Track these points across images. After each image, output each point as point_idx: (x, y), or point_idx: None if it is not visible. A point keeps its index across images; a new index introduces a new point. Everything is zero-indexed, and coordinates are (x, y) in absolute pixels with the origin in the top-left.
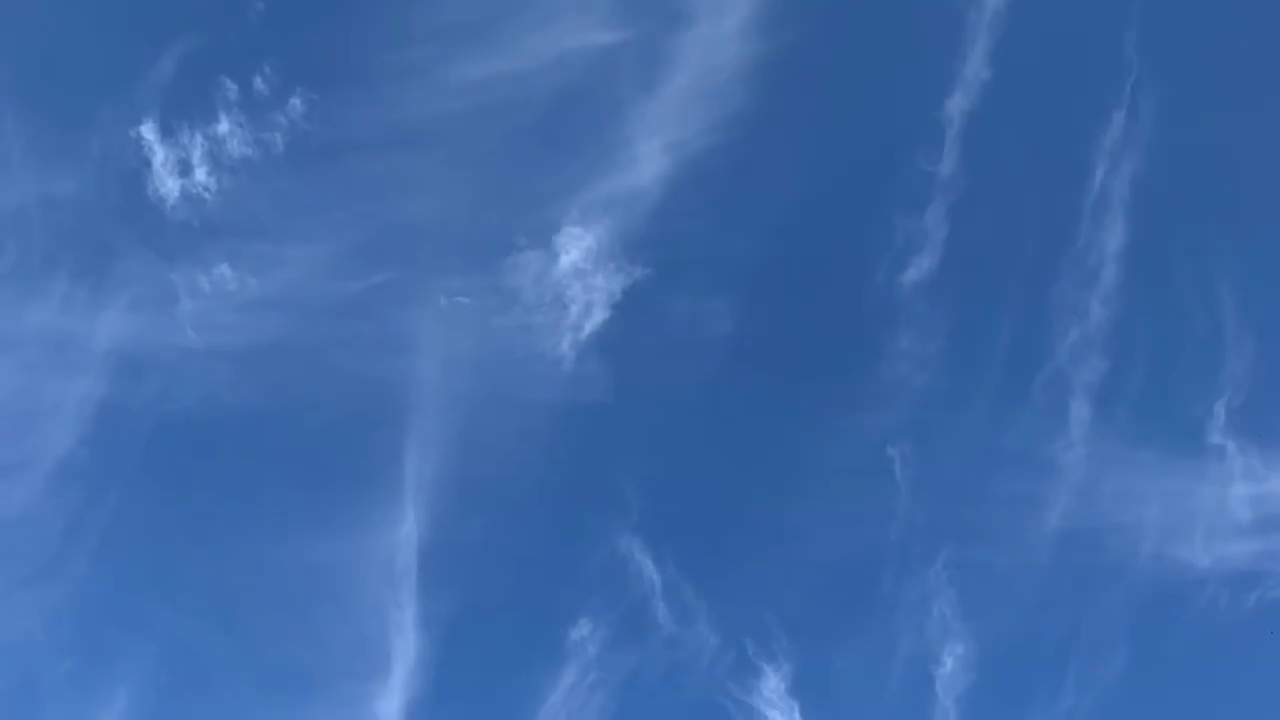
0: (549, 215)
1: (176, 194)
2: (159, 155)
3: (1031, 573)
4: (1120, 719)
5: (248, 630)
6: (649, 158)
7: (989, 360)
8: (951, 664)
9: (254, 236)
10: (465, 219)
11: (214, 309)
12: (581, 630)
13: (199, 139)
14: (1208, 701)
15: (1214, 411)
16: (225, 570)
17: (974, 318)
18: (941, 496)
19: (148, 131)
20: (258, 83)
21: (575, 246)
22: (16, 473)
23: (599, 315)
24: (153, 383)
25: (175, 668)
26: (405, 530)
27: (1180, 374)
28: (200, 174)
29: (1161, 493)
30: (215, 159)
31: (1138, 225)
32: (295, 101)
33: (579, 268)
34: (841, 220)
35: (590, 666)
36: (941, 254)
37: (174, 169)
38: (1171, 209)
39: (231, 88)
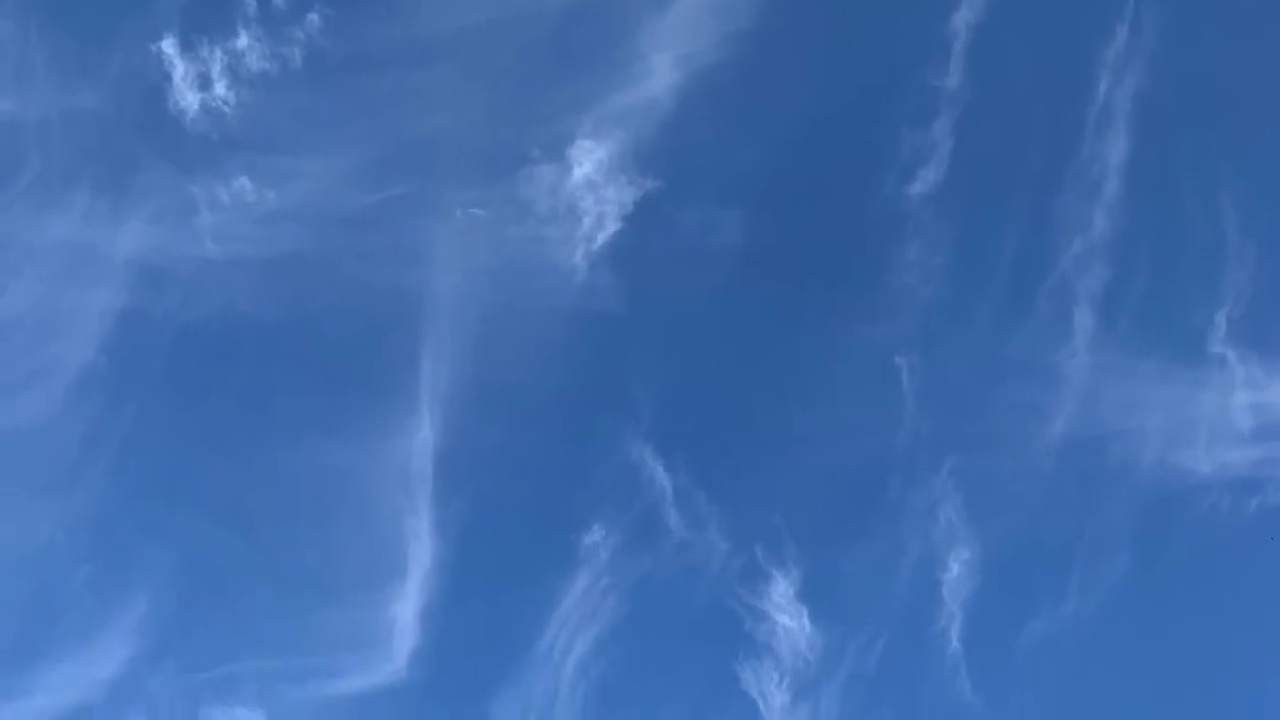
0: (562, 128)
1: (196, 108)
2: (179, 69)
3: (1036, 479)
4: (1123, 621)
5: (265, 536)
6: (661, 71)
7: (994, 271)
8: (957, 569)
9: (272, 150)
10: (479, 132)
11: (233, 221)
12: (594, 536)
13: (218, 53)
14: (1209, 603)
15: (1215, 321)
16: (242, 477)
17: (979, 229)
18: (947, 405)
19: (168, 46)
20: None
21: (588, 159)
22: (37, 382)
23: (611, 227)
24: (172, 293)
25: (193, 573)
26: (420, 437)
27: (1182, 284)
28: (219, 88)
29: (1163, 401)
30: (234, 73)
31: (1140, 138)
32: (313, 16)
33: (592, 180)
34: (849, 133)
35: (603, 572)
36: (947, 167)
37: (193, 83)
38: (1174, 121)
39: (250, 3)
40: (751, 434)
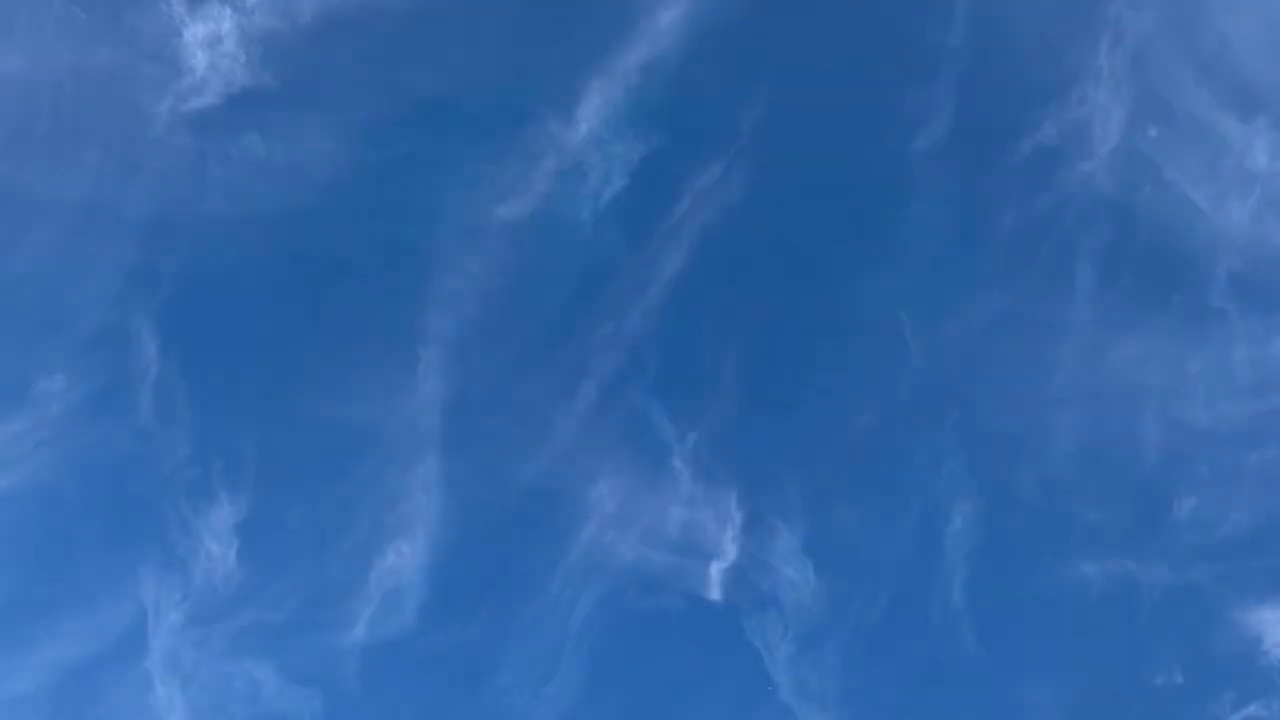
0: (569, 85)
1: (206, 64)
2: (189, 26)
3: (1038, 433)
4: (507, 658)
5: (274, 490)
6: (667, 27)
7: (996, 228)
8: (961, 522)
9: (281, 106)
10: (487, 89)
11: (242, 176)
12: (599, 490)
13: (228, 10)
14: (1208, 555)
15: (1216, 275)
16: (251, 432)
17: (981, 187)
18: (950, 359)
19: (178, 4)
20: None
21: (595, 115)
22: (48, 338)
23: (618, 183)
24: (183, 250)
25: (201, 525)
26: (428, 390)
27: (1182, 240)
28: (229, 44)
29: (1164, 355)
30: (243, 30)
31: (1140, 97)
32: None
33: (598, 136)
34: (852, 91)
35: (608, 525)
36: (951, 124)
37: (203, 40)
38: (1175, 77)
39: None
40: (756, 389)
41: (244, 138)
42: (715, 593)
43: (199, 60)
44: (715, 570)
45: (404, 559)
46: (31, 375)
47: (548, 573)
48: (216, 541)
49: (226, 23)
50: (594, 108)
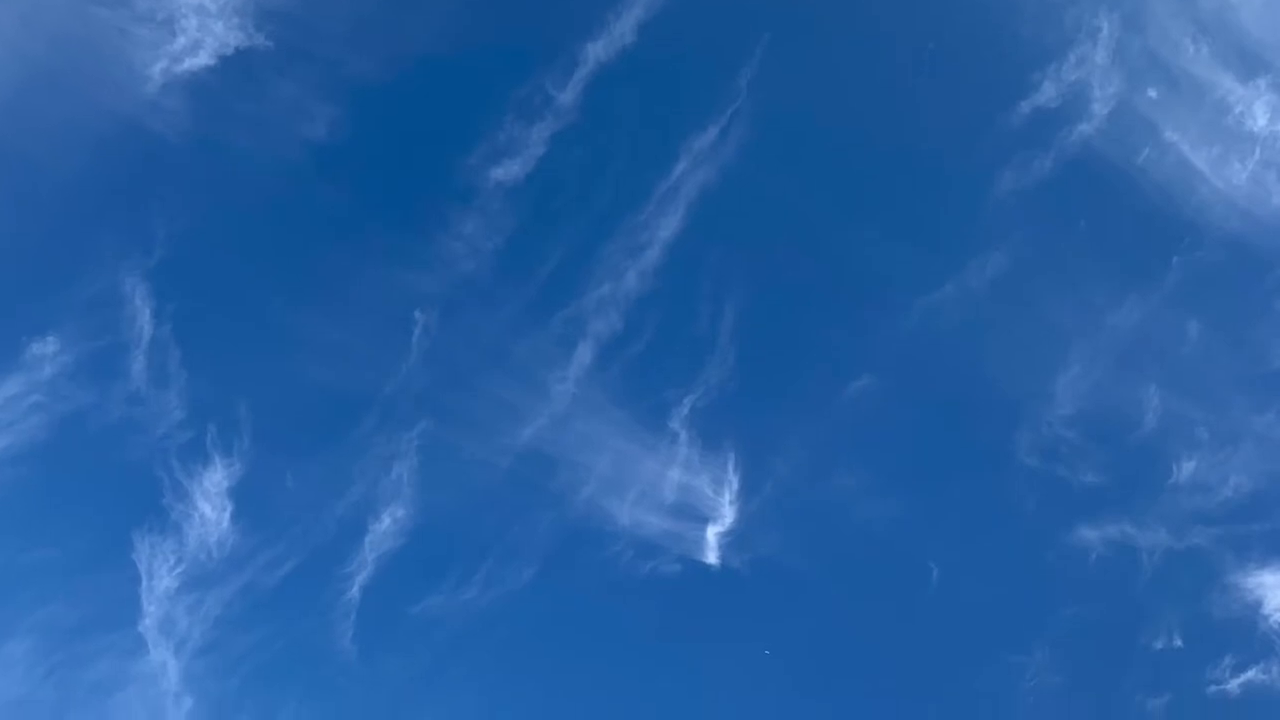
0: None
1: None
2: None
3: (489, 471)
4: (509, 625)
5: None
6: None
7: (533, 276)
8: (389, 523)
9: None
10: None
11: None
12: (46, 347)
13: None
14: (585, 634)
15: (682, 402)
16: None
17: (535, 235)
18: (443, 373)
19: None
20: None
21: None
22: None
23: (203, 59)
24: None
25: None
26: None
27: (670, 359)
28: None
29: (616, 450)
30: None
31: (690, 226)
32: None
33: (204, 6)
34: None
35: (37, 387)
36: (532, 169)
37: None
38: (711, 233)
39: None
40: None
41: (238, 99)
42: (117, 496)
43: (192, 22)
44: (129, 475)
45: (399, 523)
46: (24, 338)
47: (544, 535)
48: (210, 505)
49: None
50: (589, 68)
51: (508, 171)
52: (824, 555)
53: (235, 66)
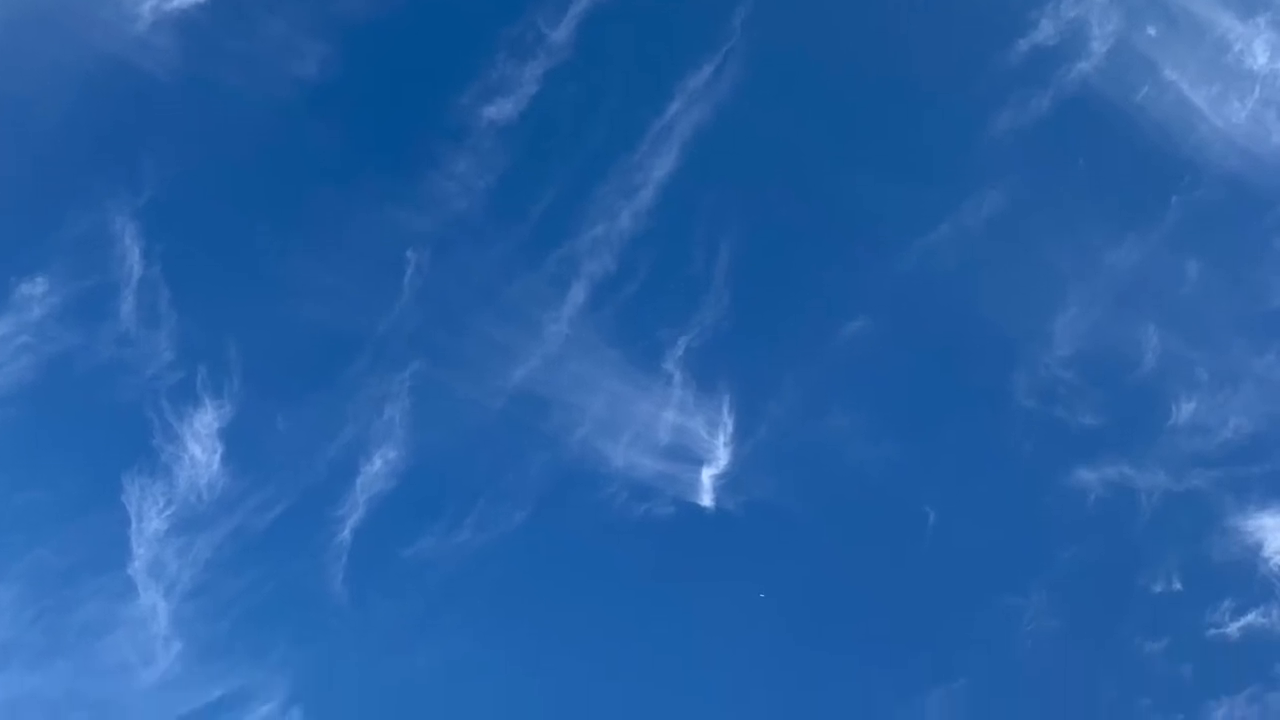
0: None
1: None
2: None
3: (482, 412)
4: (500, 566)
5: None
6: None
7: (526, 216)
8: (380, 465)
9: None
10: None
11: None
12: (35, 287)
13: None
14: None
15: (677, 343)
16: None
17: (528, 175)
18: (436, 313)
19: None
20: None
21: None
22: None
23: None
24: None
25: None
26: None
27: (667, 300)
28: None
29: (610, 391)
30: None
31: (683, 165)
32: None
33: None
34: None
35: (25, 328)
36: (525, 108)
37: None
38: (709, 167)
39: None
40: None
41: (227, 37)
42: (108, 437)
43: None
44: (119, 416)
45: (390, 465)
46: (12, 278)
47: (537, 477)
48: (200, 447)
49: None
50: (583, 5)
51: (500, 110)
52: (819, 498)
53: (225, 4)
